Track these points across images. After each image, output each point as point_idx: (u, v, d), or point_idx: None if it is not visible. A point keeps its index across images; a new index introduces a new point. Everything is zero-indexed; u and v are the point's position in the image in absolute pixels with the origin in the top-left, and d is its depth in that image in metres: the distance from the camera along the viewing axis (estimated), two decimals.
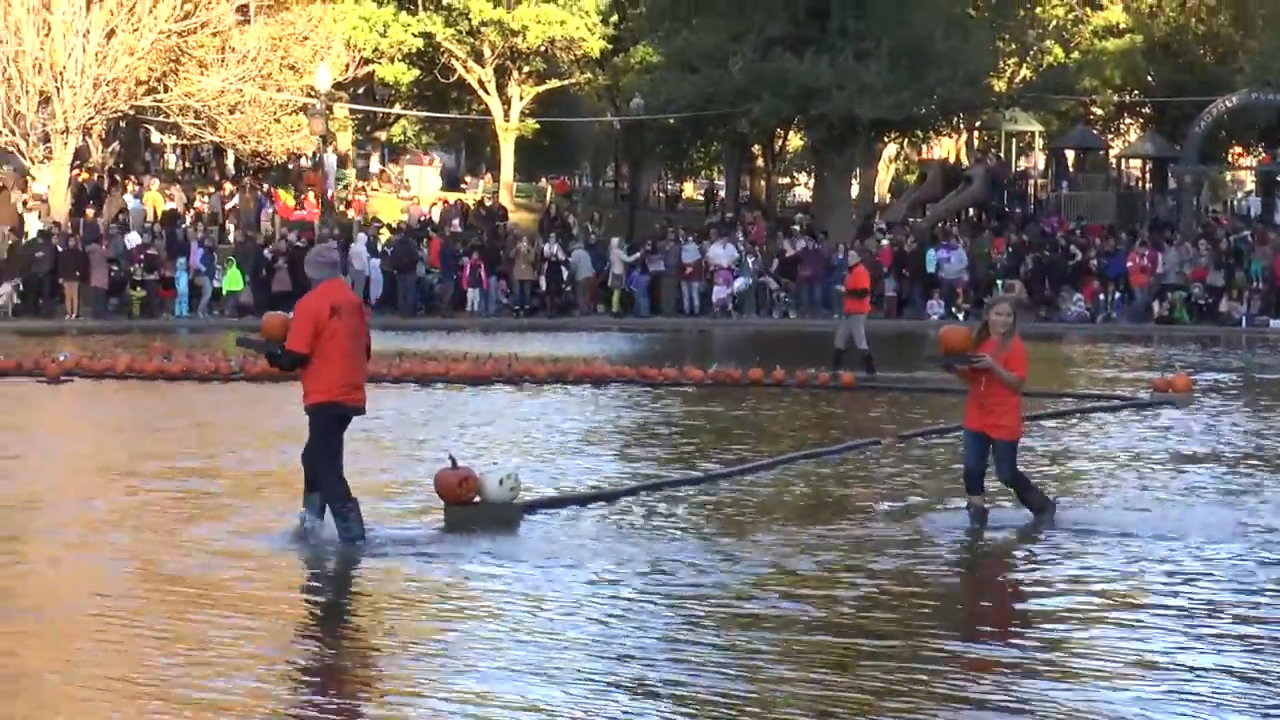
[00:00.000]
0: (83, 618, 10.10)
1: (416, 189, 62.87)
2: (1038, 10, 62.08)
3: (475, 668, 8.82)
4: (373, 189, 60.18)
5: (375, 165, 67.44)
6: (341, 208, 53.67)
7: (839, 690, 8.39)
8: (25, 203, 45.70)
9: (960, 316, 44.79)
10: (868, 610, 10.31)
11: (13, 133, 44.97)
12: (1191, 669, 8.94)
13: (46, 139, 45.19)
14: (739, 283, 45.96)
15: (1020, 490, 13.14)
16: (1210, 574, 11.50)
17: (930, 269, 46.22)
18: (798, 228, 50.68)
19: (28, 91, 44.61)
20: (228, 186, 52.62)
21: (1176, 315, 43.75)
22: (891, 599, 10.67)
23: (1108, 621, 10.10)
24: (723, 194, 70.11)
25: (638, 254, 46.59)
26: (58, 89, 44.75)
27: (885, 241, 47.87)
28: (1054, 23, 64.24)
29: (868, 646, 9.33)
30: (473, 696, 8.23)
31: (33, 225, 44.26)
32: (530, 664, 8.85)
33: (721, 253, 46.77)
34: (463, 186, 65.53)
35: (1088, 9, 65.68)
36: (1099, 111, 66.68)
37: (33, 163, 45.75)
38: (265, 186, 53.55)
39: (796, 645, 9.42)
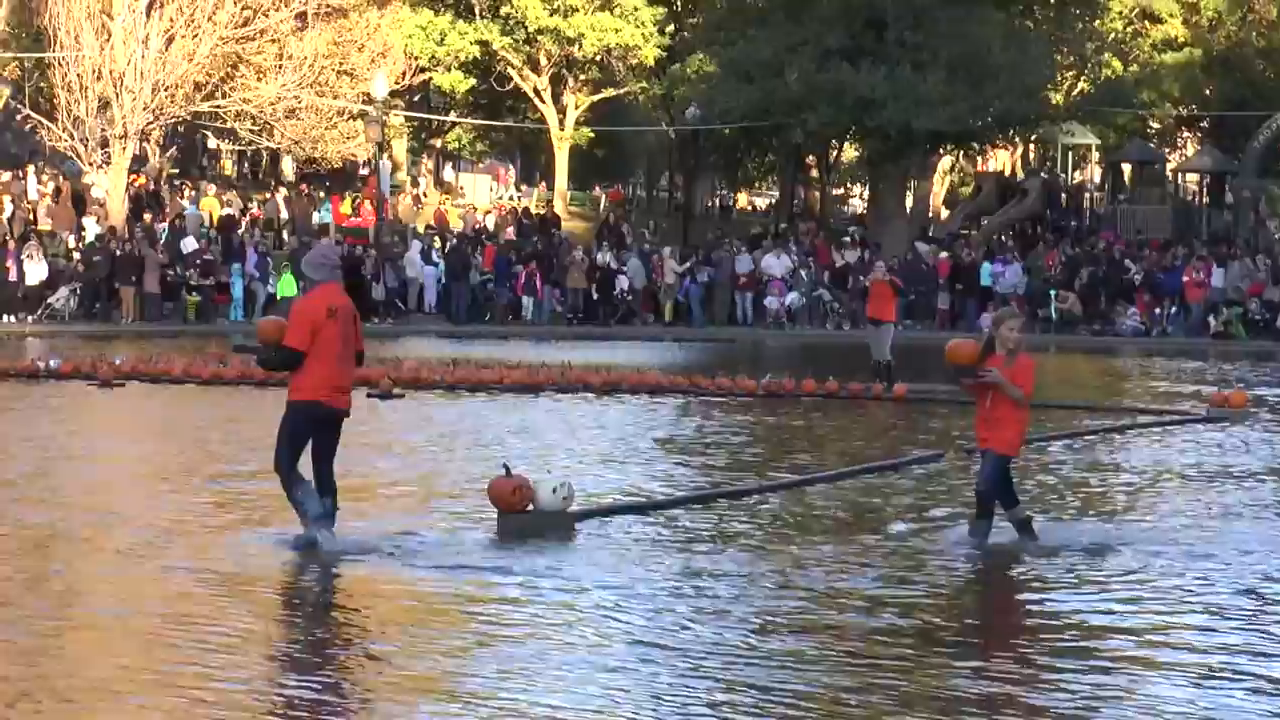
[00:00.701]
0: (143, 619, 10.18)
1: (471, 197, 63.10)
2: (1096, 23, 61.81)
3: (527, 675, 8.85)
4: (442, 199, 60.23)
5: (448, 174, 67.72)
6: (403, 212, 53.76)
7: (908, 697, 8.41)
8: (83, 208, 45.97)
9: None
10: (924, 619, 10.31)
11: (72, 138, 45.28)
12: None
13: (105, 144, 45.44)
14: (791, 296, 45.93)
15: (982, 505, 12.82)
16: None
17: (985, 282, 46.07)
18: (849, 239, 50.63)
19: (87, 97, 44.90)
20: (282, 192, 52.79)
21: (1233, 331, 43.51)
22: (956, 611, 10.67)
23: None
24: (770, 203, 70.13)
25: (689, 264, 46.61)
26: (117, 95, 45.03)
27: (944, 254, 47.77)
28: (1112, 36, 64.01)
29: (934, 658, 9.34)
30: (523, 704, 8.27)
31: (90, 230, 44.54)
32: (581, 675, 8.89)
33: (775, 263, 46.78)
34: (517, 194, 65.67)
35: (1147, 22, 65.43)
36: (1156, 125, 66.48)
37: (91, 168, 46.01)
38: (320, 193, 53.79)
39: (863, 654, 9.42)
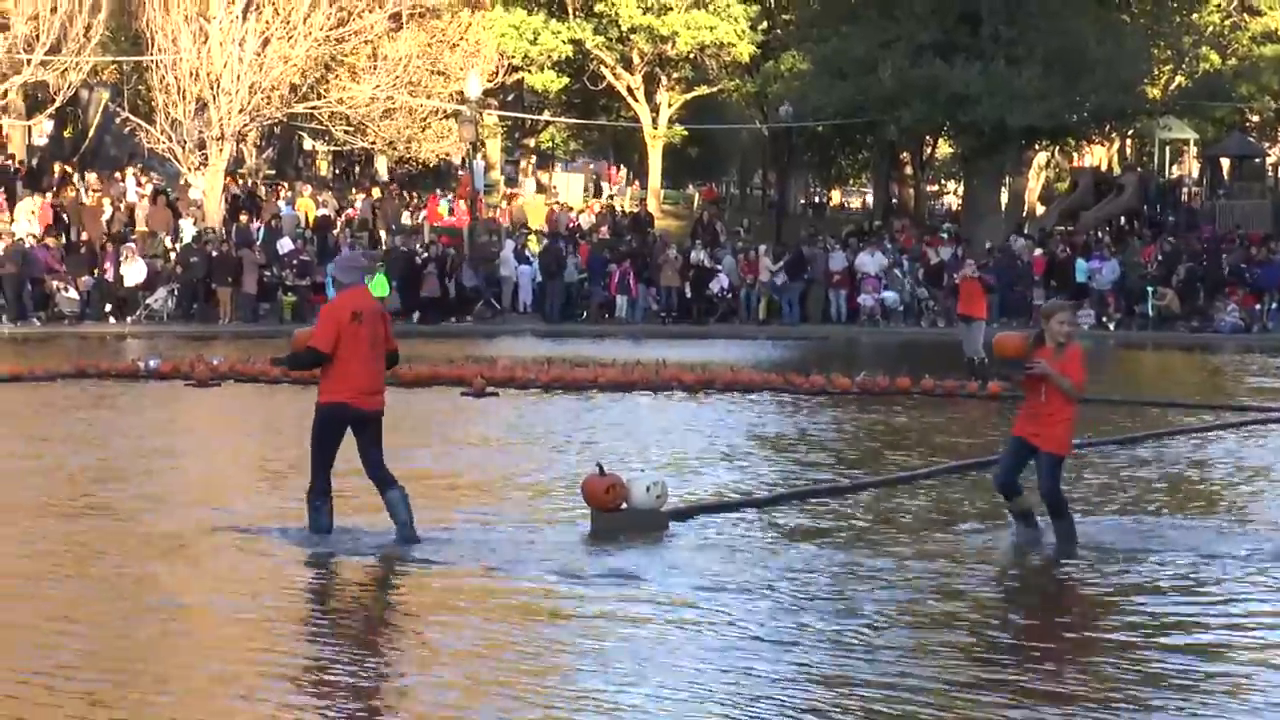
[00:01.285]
0: (241, 614, 10.31)
1: (564, 195, 63.22)
2: (1194, 16, 61.26)
3: (633, 672, 8.89)
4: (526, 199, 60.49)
5: (545, 178, 67.92)
6: (495, 212, 53.95)
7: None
8: (180, 209, 46.38)
9: (1111, 327, 44.38)
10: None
11: (170, 140, 45.62)
12: None
13: (202, 145, 45.74)
14: (887, 294, 45.77)
15: (1054, 510, 12.73)
16: None
17: (1081, 278, 45.76)
18: (944, 235, 50.44)
19: (185, 99, 45.23)
20: (376, 192, 53.06)
21: None
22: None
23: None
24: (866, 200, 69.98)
25: (782, 262, 46.51)
26: (214, 96, 45.35)
27: (1038, 250, 47.53)
28: (1210, 29, 63.44)
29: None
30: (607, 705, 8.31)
31: (188, 231, 44.92)
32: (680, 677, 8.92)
33: (869, 260, 46.63)
34: (612, 194, 65.80)
35: (1245, 15, 64.86)
36: (1256, 118, 65.83)
37: (189, 169, 46.35)
38: (414, 193, 54.11)
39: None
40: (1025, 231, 52.25)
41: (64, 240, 43.02)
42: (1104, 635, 10.05)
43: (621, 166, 72.19)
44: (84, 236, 43.12)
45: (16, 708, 8.12)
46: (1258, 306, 44.83)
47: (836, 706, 8.26)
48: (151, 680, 8.79)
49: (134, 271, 42.00)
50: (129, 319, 41.50)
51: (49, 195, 45.78)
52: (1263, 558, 12.25)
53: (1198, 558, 12.23)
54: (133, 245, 42.51)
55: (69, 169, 48.83)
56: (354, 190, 54.01)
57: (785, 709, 8.21)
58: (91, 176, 47.79)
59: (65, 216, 44.05)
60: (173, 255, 43.50)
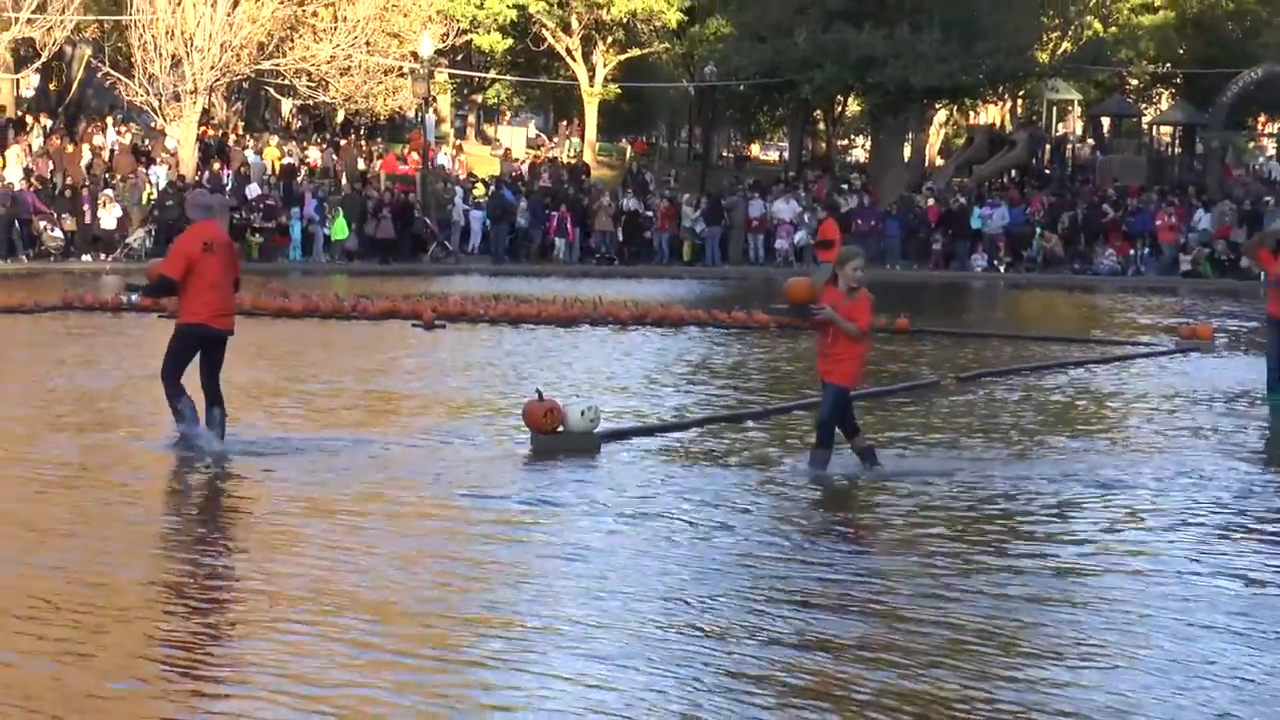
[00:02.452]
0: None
1: (507, 146, 63.06)
2: None
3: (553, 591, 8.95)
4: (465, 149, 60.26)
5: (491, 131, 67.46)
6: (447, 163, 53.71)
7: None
8: (154, 156, 46.01)
9: (1001, 269, 44.65)
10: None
11: (147, 93, 45.33)
12: None
13: (177, 99, 45.44)
14: (799, 235, 45.86)
15: (820, 438, 12.39)
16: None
17: (975, 225, 45.99)
18: (846, 186, 50.56)
19: (160, 56, 44.92)
20: (338, 144, 52.75)
21: (1201, 270, 43.41)
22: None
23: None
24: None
25: (700, 210, 46.51)
26: (187, 53, 45.05)
27: (931, 200, 47.74)
28: (1094, 0, 63.60)
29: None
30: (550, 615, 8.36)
31: (163, 177, 44.58)
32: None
33: (784, 208, 46.74)
34: (549, 146, 65.52)
35: None
36: (1134, 82, 66.09)
37: (165, 120, 46.07)
38: (372, 144, 53.85)
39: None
40: (928, 183, 52.39)
41: (49, 184, 42.69)
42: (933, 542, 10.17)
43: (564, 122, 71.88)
44: (68, 181, 42.80)
45: None
46: (1132, 251, 45.20)
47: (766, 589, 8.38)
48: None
49: (109, 216, 41.72)
50: (109, 257, 41.23)
51: (35, 143, 45.36)
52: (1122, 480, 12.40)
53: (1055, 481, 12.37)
54: (110, 192, 42.19)
55: (53, 119, 48.42)
56: (321, 142, 53.64)
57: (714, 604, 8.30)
58: (76, 126, 47.33)
59: (50, 162, 43.67)
60: (150, 200, 43.19)
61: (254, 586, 8.59)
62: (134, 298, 13.69)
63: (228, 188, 44.22)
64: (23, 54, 47.00)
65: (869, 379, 18.72)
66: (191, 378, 12.90)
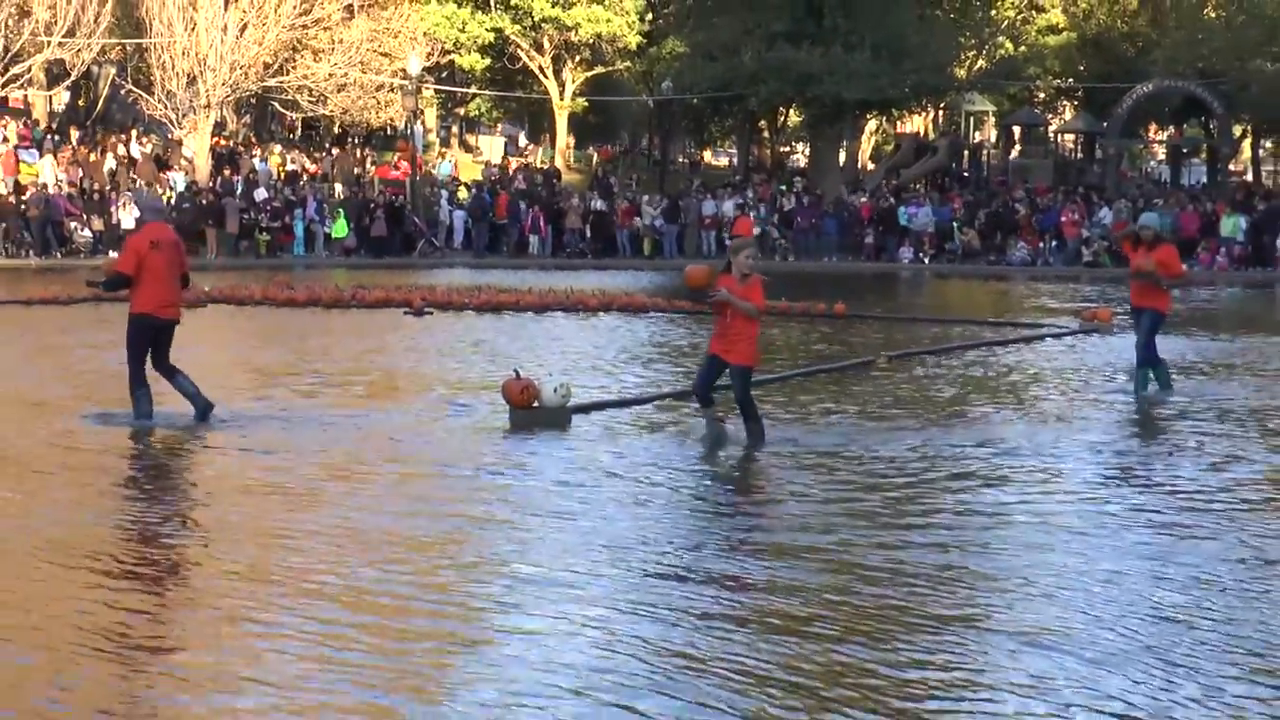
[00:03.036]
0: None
1: (487, 154, 62.97)
2: (992, 12, 61.53)
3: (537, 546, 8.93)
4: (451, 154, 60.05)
5: (472, 140, 67.13)
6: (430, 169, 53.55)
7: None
8: (172, 164, 45.80)
9: (925, 260, 44.69)
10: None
11: (165, 107, 45.11)
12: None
13: (192, 113, 45.25)
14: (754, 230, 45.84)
15: (745, 414, 12.25)
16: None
17: (903, 222, 46.02)
18: (784, 188, 50.54)
19: (177, 74, 44.72)
20: (335, 152, 52.57)
21: (1101, 260, 43.52)
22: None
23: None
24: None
25: (659, 208, 46.48)
26: (201, 72, 44.83)
27: (864, 199, 47.77)
28: (1005, 22, 63.68)
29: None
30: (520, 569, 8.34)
31: (180, 182, 44.38)
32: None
33: (733, 207, 46.71)
34: (525, 153, 65.33)
35: (1033, 11, 65.21)
36: (1041, 95, 66.20)
37: (181, 132, 45.86)
38: (365, 152, 53.65)
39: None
40: (861, 184, 52.42)
41: (79, 189, 42.43)
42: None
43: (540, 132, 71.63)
44: (95, 186, 42.55)
45: None
46: (1040, 245, 45.29)
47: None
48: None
49: (127, 217, 41.45)
50: None
51: (66, 152, 45.06)
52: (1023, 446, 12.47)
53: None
54: (128, 195, 41.94)
55: (82, 131, 48.14)
56: (321, 150, 53.41)
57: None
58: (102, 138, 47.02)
59: (79, 169, 43.40)
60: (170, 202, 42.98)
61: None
62: (98, 289, 13.60)
63: (238, 192, 44.12)
64: (54, 73, 46.70)
65: (810, 358, 18.84)
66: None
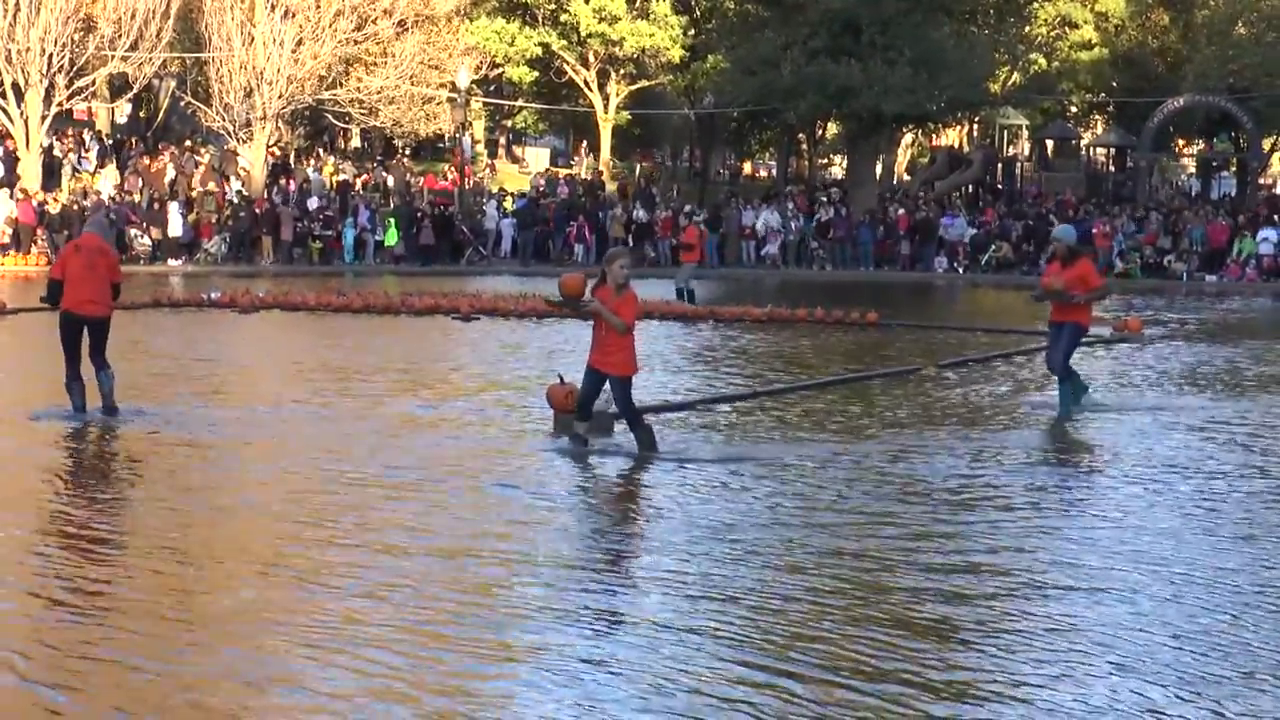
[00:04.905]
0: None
1: (533, 165, 63.06)
2: (1026, 29, 61.30)
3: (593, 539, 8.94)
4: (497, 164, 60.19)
5: (519, 151, 67.24)
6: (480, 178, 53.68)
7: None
8: (228, 175, 46.07)
9: (960, 270, 44.54)
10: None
11: (223, 119, 45.34)
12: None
13: (248, 124, 45.48)
14: (776, 245, 45.91)
15: (630, 422, 11.91)
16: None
17: (940, 233, 45.90)
18: (825, 199, 50.46)
19: (235, 87, 44.96)
20: (387, 162, 52.76)
21: (1132, 272, 43.31)
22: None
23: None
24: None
25: (702, 217, 46.49)
26: (257, 85, 45.04)
27: (901, 211, 47.65)
28: (1039, 39, 63.42)
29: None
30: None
31: (236, 191, 44.61)
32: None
33: (771, 218, 46.68)
34: (571, 164, 65.48)
35: (1066, 28, 64.89)
36: (1073, 109, 65.94)
37: (238, 143, 46.10)
38: (415, 163, 53.81)
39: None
40: (895, 196, 52.29)
41: (140, 198, 42.72)
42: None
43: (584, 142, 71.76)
44: (155, 195, 42.80)
45: None
46: None
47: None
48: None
49: (175, 225, 41.65)
50: (190, 261, 41.24)
51: (129, 162, 45.45)
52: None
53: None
54: (174, 205, 42.06)
55: (143, 142, 48.54)
56: (373, 160, 53.64)
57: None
58: (164, 152, 47.32)
59: (139, 179, 43.70)
60: (226, 211, 43.23)
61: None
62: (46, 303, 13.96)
63: (292, 201, 44.33)
64: (117, 86, 47.02)
65: (857, 363, 18.79)
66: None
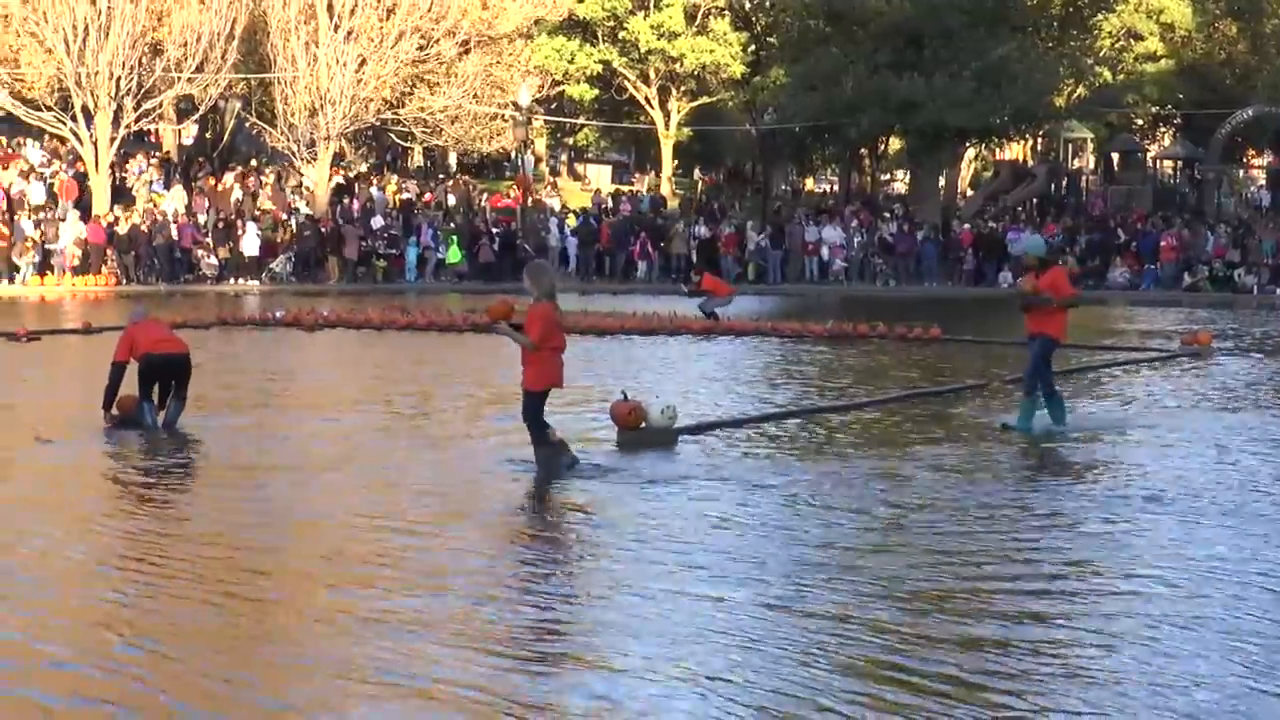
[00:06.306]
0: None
1: (595, 182, 63.14)
2: (1091, 41, 60.85)
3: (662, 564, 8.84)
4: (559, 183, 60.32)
5: (580, 169, 67.36)
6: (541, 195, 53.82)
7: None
8: (294, 194, 46.40)
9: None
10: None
11: (288, 139, 45.69)
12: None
13: (312, 144, 45.80)
14: (836, 261, 45.79)
15: (533, 436, 11.67)
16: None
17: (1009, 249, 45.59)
18: (888, 215, 50.26)
19: (299, 108, 45.29)
20: (449, 182, 52.98)
21: (1201, 285, 42.83)
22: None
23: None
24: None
25: (765, 234, 46.42)
26: (321, 106, 45.36)
27: (967, 226, 47.36)
28: (1104, 51, 62.93)
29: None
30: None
31: (302, 211, 44.92)
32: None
33: (833, 234, 46.49)
34: (631, 181, 65.56)
35: (1131, 40, 64.34)
36: (1139, 121, 65.37)
37: (303, 163, 46.43)
38: (478, 181, 53.97)
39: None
40: (957, 212, 52.01)
41: (205, 218, 43.08)
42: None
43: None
44: (220, 215, 43.16)
45: None
46: (1140, 269, 44.63)
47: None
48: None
49: (250, 244, 42.05)
50: (257, 280, 41.53)
51: (195, 183, 45.90)
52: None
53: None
54: (251, 224, 42.51)
55: (209, 163, 49.03)
56: (436, 179, 53.87)
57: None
58: (228, 175, 47.73)
59: (205, 199, 44.09)
60: (291, 230, 43.54)
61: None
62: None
63: (356, 220, 44.57)
64: (183, 108, 47.50)
65: (905, 380, 18.60)
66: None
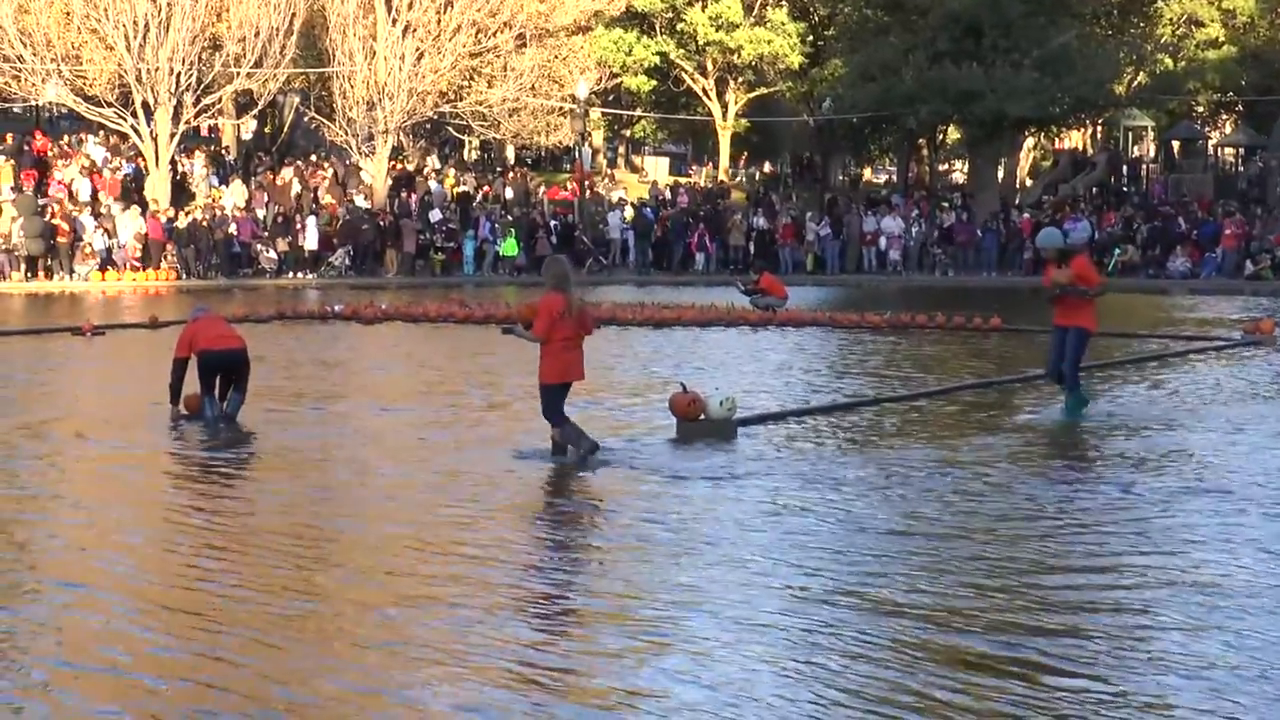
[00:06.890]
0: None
1: (653, 174, 63.13)
2: (1151, 29, 60.26)
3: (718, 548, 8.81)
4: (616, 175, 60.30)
5: (638, 160, 67.35)
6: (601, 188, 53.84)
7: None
8: (351, 187, 46.59)
9: None
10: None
11: (346, 133, 45.92)
12: None
13: (370, 138, 46.00)
14: (892, 253, 45.57)
15: (554, 427, 12.02)
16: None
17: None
18: (946, 204, 49.95)
19: (357, 102, 45.50)
20: (508, 175, 53.09)
21: (1263, 274, 42.30)
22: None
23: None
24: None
25: (824, 224, 46.29)
26: (379, 99, 45.54)
27: (1026, 215, 47.00)
28: (1164, 38, 62.30)
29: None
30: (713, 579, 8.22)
31: (360, 205, 45.11)
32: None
33: (892, 224, 46.27)
34: (689, 173, 65.46)
35: (1192, 27, 63.65)
36: (1200, 109, 64.66)
37: (361, 156, 46.62)
38: (535, 174, 54.04)
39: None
40: (1017, 201, 51.63)
41: (264, 213, 43.38)
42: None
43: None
44: (280, 209, 43.41)
45: None
46: (1201, 257, 44.14)
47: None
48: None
49: (311, 238, 42.29)
50: (314, 274, 41.74)
51: (254, 177, 46.21)
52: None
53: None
54: (312, 219, 42.76)
55: (268, 157, 49.33)
56: (494, 173, 53.99)
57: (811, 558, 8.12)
58: (286, 170, 48.00)
59: (265, 193, 44.36)
60: (340, 224, 43.74)
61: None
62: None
63: (414, 213, 44.71)
64: (242, 102, 47.79)
65: (966, 370, 18.47)
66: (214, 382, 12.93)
